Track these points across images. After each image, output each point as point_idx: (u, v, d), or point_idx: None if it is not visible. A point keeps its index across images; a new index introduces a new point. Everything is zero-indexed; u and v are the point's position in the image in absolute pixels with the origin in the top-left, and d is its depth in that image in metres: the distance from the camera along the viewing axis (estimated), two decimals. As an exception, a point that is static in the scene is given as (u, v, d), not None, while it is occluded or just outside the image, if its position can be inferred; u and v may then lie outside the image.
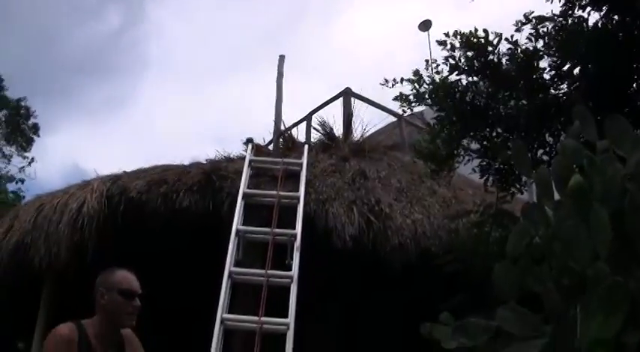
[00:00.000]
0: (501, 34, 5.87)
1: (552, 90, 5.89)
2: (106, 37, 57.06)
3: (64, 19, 54.53)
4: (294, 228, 7.65)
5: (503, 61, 5.91)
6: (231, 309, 7.02)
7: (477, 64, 5.94)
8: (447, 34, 5.95)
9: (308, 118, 11.25)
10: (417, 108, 6.60)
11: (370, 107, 11.22)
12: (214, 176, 8.33)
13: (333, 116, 10.78)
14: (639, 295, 1.83)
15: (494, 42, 5.86)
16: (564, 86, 5.87)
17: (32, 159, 30.60)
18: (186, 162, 9.15)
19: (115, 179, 8.61)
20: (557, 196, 2.25)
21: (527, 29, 5.76)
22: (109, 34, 56.87)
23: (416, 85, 6.21)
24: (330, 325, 9.41)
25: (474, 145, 6.32)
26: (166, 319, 10.01)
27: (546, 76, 5.86)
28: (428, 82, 6.17)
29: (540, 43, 5.75)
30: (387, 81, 6.30)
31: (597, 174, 2.06)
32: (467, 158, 6.43)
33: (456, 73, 6.05)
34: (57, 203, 8.50)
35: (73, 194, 8.55)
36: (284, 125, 10.22)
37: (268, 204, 8.05)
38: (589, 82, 5.53)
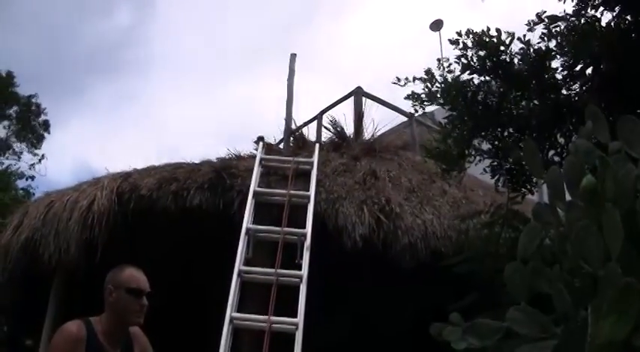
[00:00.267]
0: (514, 33, 5.86)
1: (564, 91, 5.88)
2: (117, 35, 57.20)
3: (74, 16, 54.62)
4: (304, 227, 7.64)
5: (516, 60, 5.90)
6: (240, 308, 7.01)
7: (489, 64, 5.92)
8: (459, 34, 5.93)
9: (319, 117, 11.25)
10: (428, 108, 6.60)
11: (381, 106, 11.23)
12: (225, 174, 8.32)
13: (344, 115, 10.80)
14: (651, 297, 1.82)
15: (507, 41, 5.85)
16: (576, 86, 5.85)
17: (42, 156, 30.69)
18: (196, 160, 9.16)
19: (125, 176, 8.62)
20: (568, 197, 2.23)
21: (540, 29, 5.75)
22: (119, 32, 57.06)
23: (428, 84, 6.20)
24: (339, 324, 9.41)
25: (485, 145, 6.31)
26: (175, 317, 10.01)
27: (558, 76, 5.84)
28: (440, 81, 6.16)
29: (553, 43, 5.73)
30: (398, 80, 6.30)
31: (609, 175, 2.04)
32: (478, 158, 6.42)
33: (468, 72, 6.03)
34: (67, 200, 8.51)
35: (84, 191, 8.56)
36: (295, 124, 10.24)
37: (278, 202, 8.04)
38: (601, 82, 5.51)
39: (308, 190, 8.08)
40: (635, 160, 2.07)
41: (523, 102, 6.00)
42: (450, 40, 6.02)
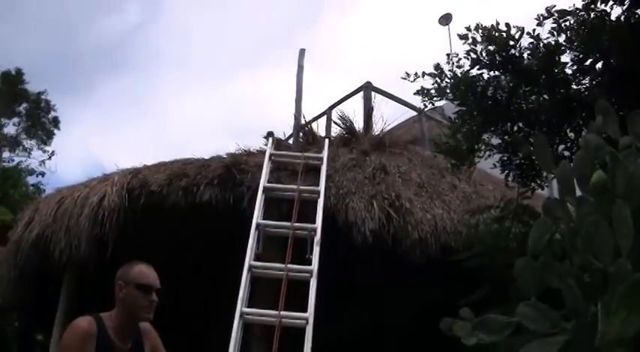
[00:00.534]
0: (523, 28, 5.85)
1: (574, 85, 5.86)
2: (126, 32, 57.33)
3: (83, 13, 54.78)
4: (314, 222, 7.64)
5: (525, 55, 5.89)
6: (250, 303, 7.02)
7: (498, 59, 5.92)
8: (468, 28, 5.93)
9: (328, 112, 11.25)
10: (438, 103, 6.59)
11: (390, 101, 11.22)
12: (235, 170, 8.33)
13: (354, 110, 10.78)
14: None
15: (516, 36, 5.84)
16: (586, 81, 5.83)
17: (52, 153, 30.88)
18: (206, 156, 9.16)
19: (135, 172, 8.63)
20: (578, 192, 2.23)
21: (549, 23, 5.74)
22: (128, 29, 57.15)
23: (437, 79, 6.19)
24: (349, 319, 9.42)
25: (495, 140, 6.30)
26: (186, 313, 10.03)
27: (568, 71, 5.83)
28: (449, 77, 6.16)
29: (562, 38, 5.72)
30: (408, 75, 6.30)
31: (620, 170, 2.04)
32: (487, 153, 6.42)
33: (478, 67, 6.03)
34: (77, 196, 8.54)
35: (94, 187, 8.58)
36: (304, 119, 10.21)
37: (288, 198, 8.04)
38: (611, 76, 5.49)
39: (318, 185, 8.08)
40: (646, 155, 2.07)
41: (533, 97, 5.99)
42: (459, 34, 6.02)
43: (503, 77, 6.07)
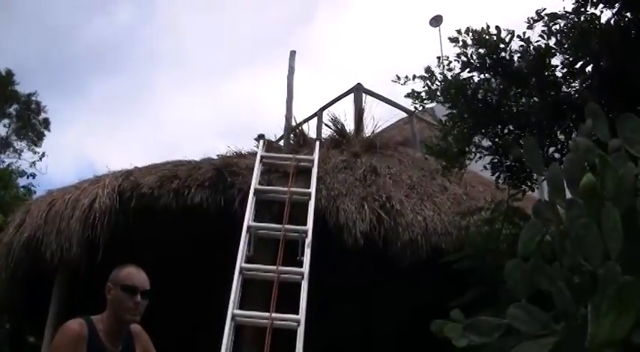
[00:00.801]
0: (513, 31, 5.87)
1: (564, 88, 5.88)
2: (118, 32, 57.20)
3: (75, 13, 54.60)
4: (305, 224, 7.64)
5: (515, 58, 5.91)
6: (242, 305, 7.02)
7: (488, 61, 5.94)
8: (458, 31, 5.94)
9: (319, 114, 11.25)
10: (429, 105, 6.61)
11: (381, 103, 11.23)
12: (226, 172, 8.33)
13: (345, 112, 10.79)
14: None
15: (507, 39, 5.86)
16: (576, 84, 5.85)
17: (43, 154, 30.71)
18: (197, 158, 9.16)
19: (126, 174, 8.62)
20: (568, 194, 2.25)
21: (540, 26, 5.76)
22: (120, 29, 57.04)
23: (428, 82, 6.21)
24: (340, 321, 9.42)
25: (486, 142, 6.32)
26: (177, 315, 10.03)
27: (558, 74, 5.85)
28: (440, 79, 6.17)
29: (552, 41, 5.74)
30: (398, 78, 6.30)
31: (609, 172, 2.05)
32: (478, 155, 6.43)
33: (468, 70, 6.05)
34: (68, 198, 8.53)
35: (85, 189, 8.58)
36: (295, 121, 10.21)
37: (279, 200, 8.05)
38: (601, 79, 5.51)
39: (309, 187, 8.09)
40: (635, 158, 2.09)
41: (523, 100, 6.00)
42: (449, 38, 6.04)
43: (493, 80, 6.08)
